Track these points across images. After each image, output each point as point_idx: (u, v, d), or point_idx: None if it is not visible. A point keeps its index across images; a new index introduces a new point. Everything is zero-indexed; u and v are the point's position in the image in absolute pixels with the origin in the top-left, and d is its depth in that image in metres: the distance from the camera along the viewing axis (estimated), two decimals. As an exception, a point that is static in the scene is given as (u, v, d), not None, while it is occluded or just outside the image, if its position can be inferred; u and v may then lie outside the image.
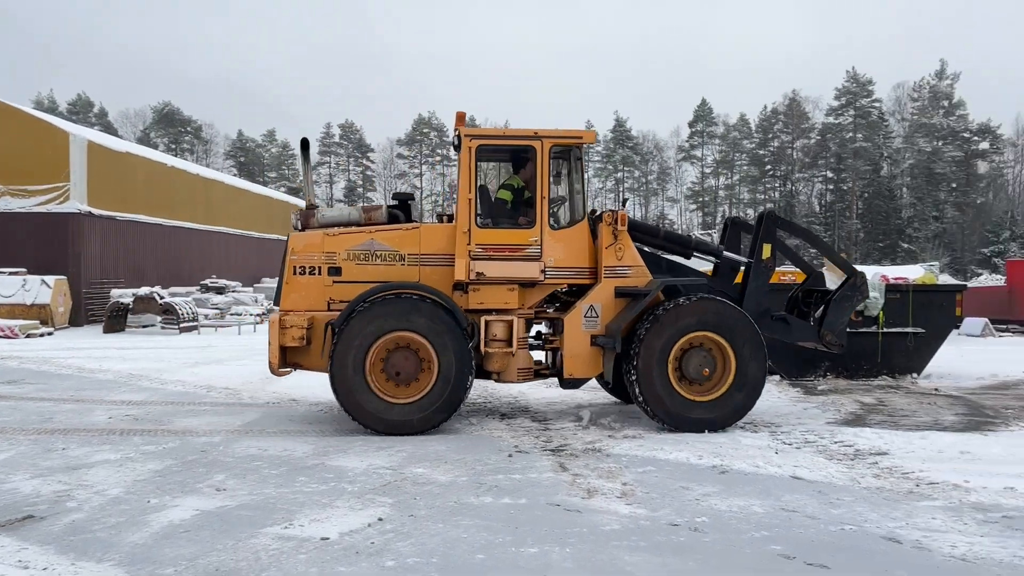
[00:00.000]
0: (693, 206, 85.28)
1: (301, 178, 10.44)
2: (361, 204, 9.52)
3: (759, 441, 7.60)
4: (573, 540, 4.77)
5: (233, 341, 20.05)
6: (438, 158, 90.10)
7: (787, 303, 9.55)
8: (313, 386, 10.48)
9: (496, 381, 8.47)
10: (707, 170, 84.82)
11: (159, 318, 23.15)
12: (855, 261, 54.07)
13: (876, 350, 11.90)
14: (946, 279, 25.33)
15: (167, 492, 5.78)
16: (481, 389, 10.98)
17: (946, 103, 71.24)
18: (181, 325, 22.85)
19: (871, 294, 11.69)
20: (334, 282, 8.27)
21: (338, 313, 7.97)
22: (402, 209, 8.89)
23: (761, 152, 79.96)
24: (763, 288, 8.85)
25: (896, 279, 16.58)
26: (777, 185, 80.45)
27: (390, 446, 7.34)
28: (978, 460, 6.86)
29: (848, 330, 9.89)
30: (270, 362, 8.08)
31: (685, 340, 8.00)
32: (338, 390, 7.72)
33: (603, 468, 6.53)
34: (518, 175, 8.73)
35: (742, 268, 9.07)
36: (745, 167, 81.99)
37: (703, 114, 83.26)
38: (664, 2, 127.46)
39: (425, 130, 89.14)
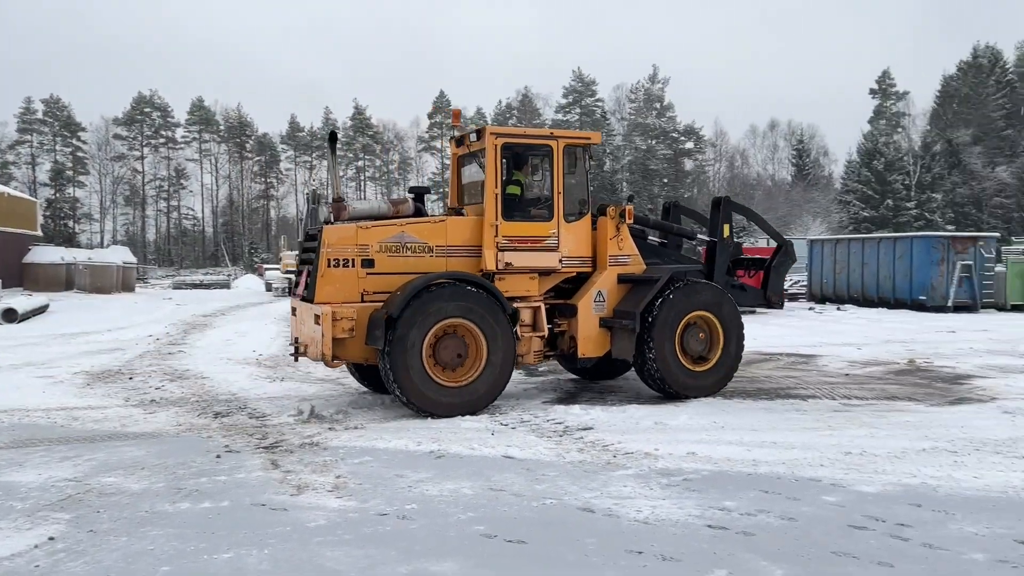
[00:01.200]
0: (435, 197, 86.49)
1: (328, 171, 11.48)
2: (387, 197, 9.65)
3: (478, 424, 7.78)
4: (273, 540, 4.53)
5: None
6: (162, 140, 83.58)
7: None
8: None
9: (519, 364, 8.81)
10: (447, 162, 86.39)
11: None
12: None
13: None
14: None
15: None
16: (197, 387, 10.27)
17: (658, 105, 78.37)
18: None
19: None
20: (367, 274, 8.31)
21: (373, 304, 8.12)
22: (418, 202, 9.19)
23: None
24: (725, 263, 10.06)
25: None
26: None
27: (78, 455, 6.58)
28: (668, 429, 7.53)
29: None
30: (324, 354, 7.99)
31: (689, 318, 9.04)
32: (398, 377, 7.84)
33: (318, 462, 6.32)
34: (521, 171, 9.17)
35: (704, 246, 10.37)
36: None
37: (441, 106, 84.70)
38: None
39: (147, 109, 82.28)
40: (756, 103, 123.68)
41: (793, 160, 79.17)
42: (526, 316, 8.77)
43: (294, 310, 9.06)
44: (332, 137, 9.30)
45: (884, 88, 76.00)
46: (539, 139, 9.13)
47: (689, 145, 78.73)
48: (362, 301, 8.24)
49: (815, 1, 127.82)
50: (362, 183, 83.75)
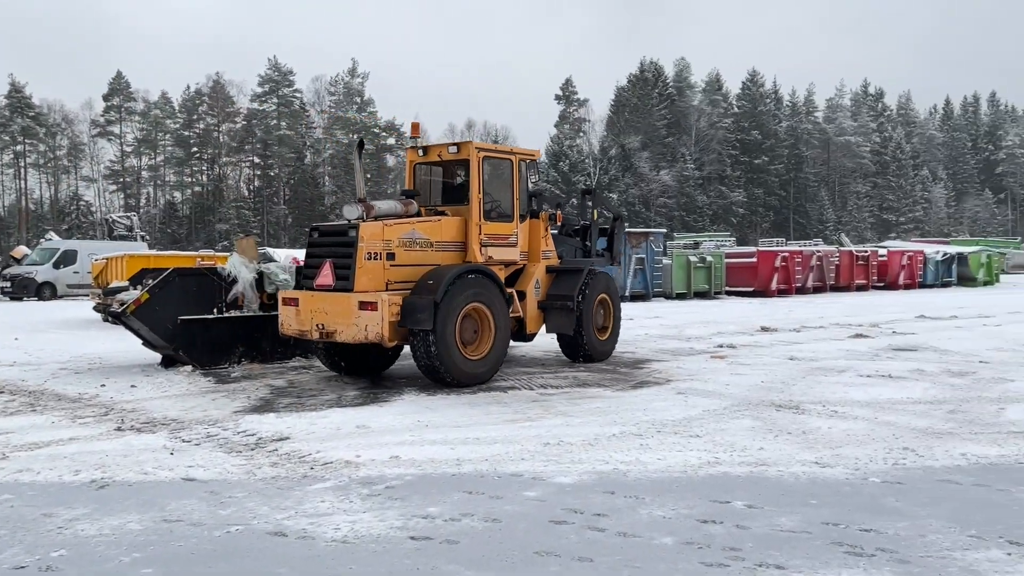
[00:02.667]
0: (113, 187, 78.42)
1: (357, 179, 10.72)
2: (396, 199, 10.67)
3: (155, 442, 6.85)
4: None
5: None
6: None
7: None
8: None
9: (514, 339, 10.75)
10: (128, 149, 78.57)
11: None
12: (285, 245, 55.87)
13: (290, 332, 12.03)
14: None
15: None
16: None
17: (359, 99, 77.80)
18: None
19: (282, 276, 11.75)
20: (391, 266, 9.44)
21: (398, 292, 9.25)
22: (408, 195, 10.54)
23: (187, 133, 77.16)
24: (595, 240, 12.57)
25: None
26: (205, 168, 78.63)
27: None
28: (371, 432, 7.17)
29: (263, 313, 11.45)
30: (383, 335, 8.95)
31: (599, 299, 11.49)
32: (440, 352, 9.04)
33: (-64, 509, 5.09)
34: (490, 179, 10.60)
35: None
36: (170, 148, 78.15)
37: (119, 88, 76.74)
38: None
39: None
40: (454, 103, 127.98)
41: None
42: (513, 299, 10.52)
43: (295, 300, 9.82)
44: (360, 144, 11.02)
45: (568, 95, 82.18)
46: (505, 154, 10.87)
47: (391, 141, 79.11)
48: (387, 289, 9.34)
49: (511, 6, 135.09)
50: (22, 170, 73.28)
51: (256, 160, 75.51)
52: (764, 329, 16.31)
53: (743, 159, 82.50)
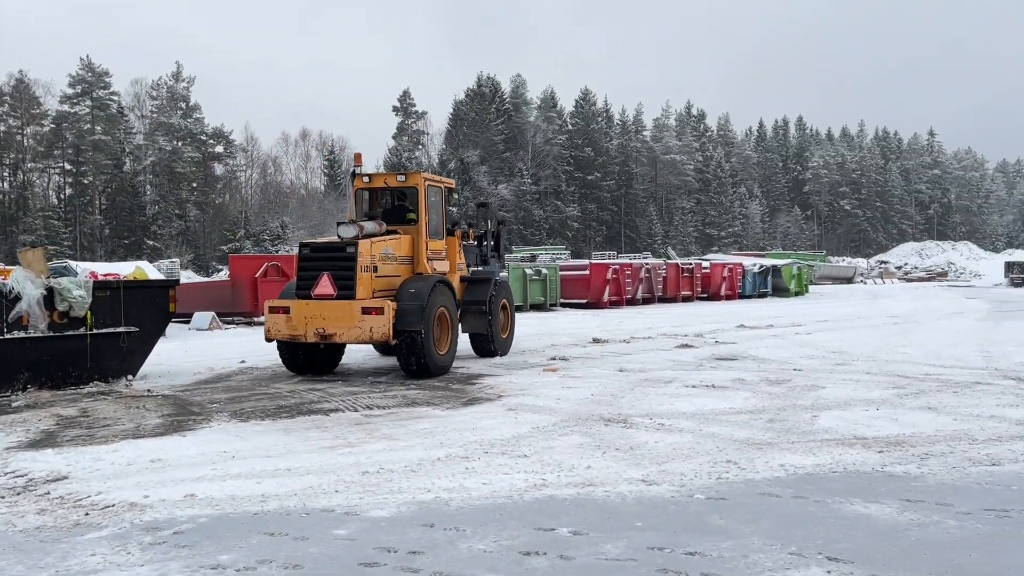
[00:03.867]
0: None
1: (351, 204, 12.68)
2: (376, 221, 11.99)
3: None
4: None
5: None
6: None
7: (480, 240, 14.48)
8: None
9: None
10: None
11: None
12: (100, 259, 51.85)
13: (85, 354, 10.79)
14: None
15: None
16: None
17: (184, 105, 73.63)
18: None
19: (76, 292, 10.61)
20: (375, 276, 11.10)
21: (381, 298, 10.94)
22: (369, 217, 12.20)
23: (-15, 135, 70.00)
24: (491, 247, 14.39)
25: (107, 275, 15.65)
26: (7, 175, 71.65)
27: None
28: (167, 467, 6.40)
29: (53, 334, 10.44)
30: (388, 335, 10.66)
31: (503, 303, 13.59)
32: (427, 347, 10.93)
33: None
34: (431, 200, 12.35)
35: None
36: (-35, 151, 70.62)
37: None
38: None
39: None
40: (287, 111, 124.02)
41: (325, 170, 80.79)
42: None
43: (285, 309, 10.96)
44: (354, 175, 12.58)
45: (406, 107, 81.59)
46: (439, 183, 12.73)
47: (219, 149, 75.39)
48: (372, 296, 10.91)
49: (347, 16, 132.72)
50: None
51: (67, 167, 69.64)
52: (596, 341, 16.48)
53: (577, 175, 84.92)
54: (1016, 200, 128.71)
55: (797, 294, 40.56)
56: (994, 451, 6.57)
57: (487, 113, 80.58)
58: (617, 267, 31.08)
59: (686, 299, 34.38)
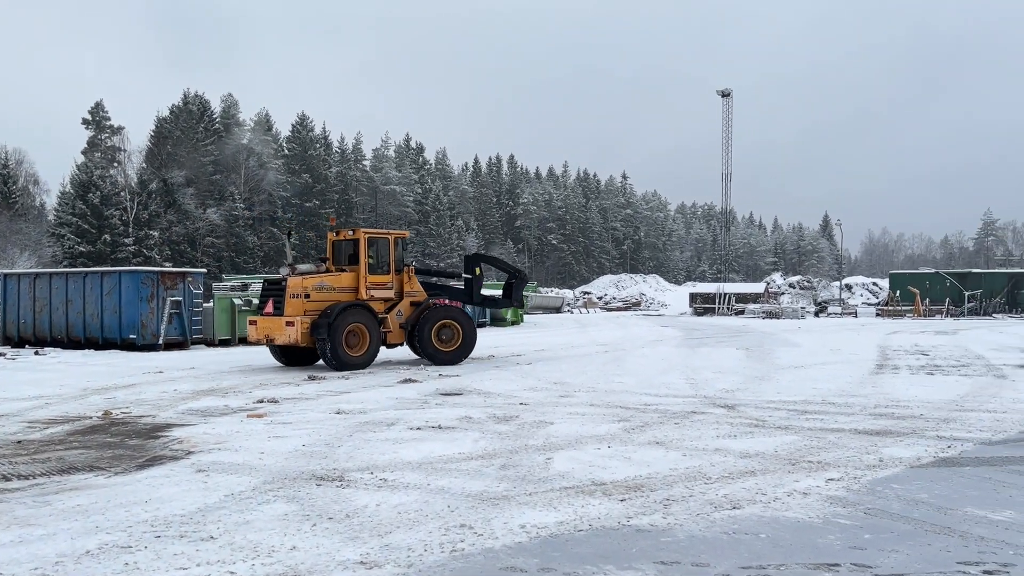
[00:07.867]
0: None
1: (287, 252, 19.16)
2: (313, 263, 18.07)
3: None
4: None
5: None
6: None
7: (504, 289, 20.55)
8: None
9: (387, 346, 17.55)
10: None
11: None
12: None
13: None
14: None
15: None
16: None
17: None
18: None
19: None
20: (307, 301, 16.25)
21: (316, 315, 16.20)
22: (321, 260, 17.80)
23: None
24: (480, 287, 19.56)
25: None
26: None
27: None
28: None
29: None
30: (298, 339, 15.94)
31: (440, 323, 17.52)
32: (333, 349, 15.82)
33: None
34: (374, 248, 17.45)
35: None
36: None
37: None
38: None
39: None
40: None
41: (-2, 186, 69.97)
42: (389, 321, 17.17)
43: (255, 322, 16.91)
44: (289, 233, 21.15)
45: (98, 120, 73.42)
46: (383, 234, 17.76)
47: None
48: (304, 315, 16.11)
49: (26, 21, 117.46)
50: None
51: None
52: (312, 378, 15.02)
53: (295, 201, 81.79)
54: (692, 238, 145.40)
55: (514, 323, 41.61)
56: (731, 491, 6.29)
57: (195, 132, 74.99)
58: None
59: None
